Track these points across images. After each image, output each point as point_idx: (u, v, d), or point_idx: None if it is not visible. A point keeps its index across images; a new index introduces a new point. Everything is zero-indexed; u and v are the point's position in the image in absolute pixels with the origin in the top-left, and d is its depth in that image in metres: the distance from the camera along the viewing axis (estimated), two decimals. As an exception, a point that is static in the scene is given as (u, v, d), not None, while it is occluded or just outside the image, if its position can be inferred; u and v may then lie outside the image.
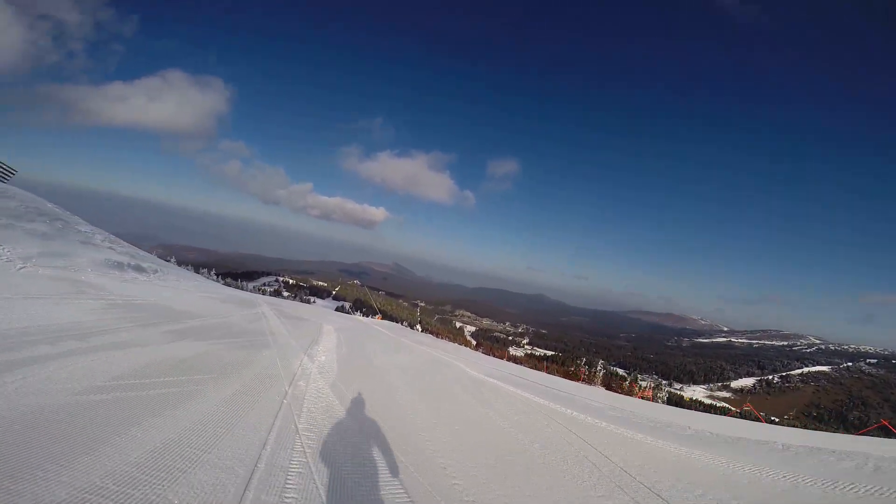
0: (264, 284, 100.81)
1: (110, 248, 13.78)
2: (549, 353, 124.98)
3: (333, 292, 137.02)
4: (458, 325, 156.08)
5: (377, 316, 35.72)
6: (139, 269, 12.84)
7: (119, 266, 11.82)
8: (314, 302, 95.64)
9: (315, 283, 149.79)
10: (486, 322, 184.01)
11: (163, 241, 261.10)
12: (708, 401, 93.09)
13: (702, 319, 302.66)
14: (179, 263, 47.95)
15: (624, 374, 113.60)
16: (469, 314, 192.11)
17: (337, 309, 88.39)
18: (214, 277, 43.97)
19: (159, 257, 46.55)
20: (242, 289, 43.09)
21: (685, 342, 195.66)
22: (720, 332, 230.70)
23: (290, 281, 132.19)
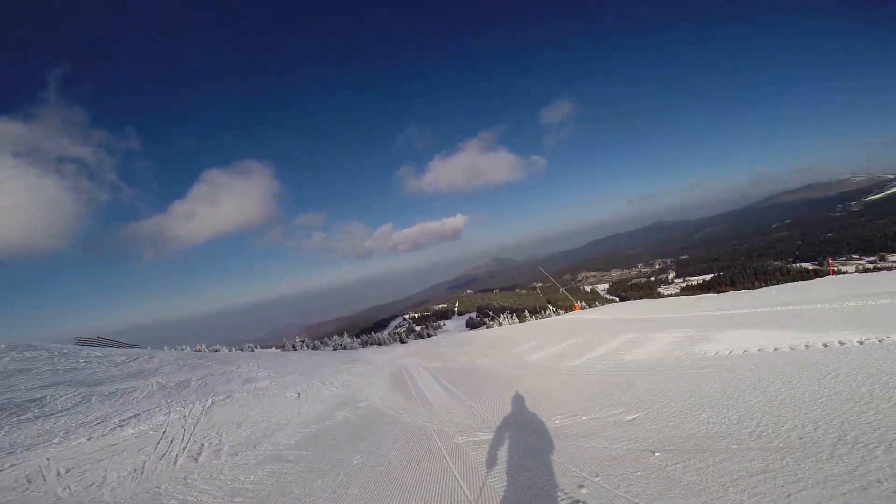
0: (396, 328, 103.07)
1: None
2: (707, 277, 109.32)
3: (455, 309, 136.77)
4: (588, 288, 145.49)
5: (574, 306, 27.02)
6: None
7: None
8: (444, 326, 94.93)
9: (435, 307, 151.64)
10: (615, 274, 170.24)
11: (304, 325, 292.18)
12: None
13: (855, 177, 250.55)
14: (314, 338, 48.84)
15: (813, 266, 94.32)
16: (592, 273, 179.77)
17: (468, 324, 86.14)
18: (350, 339, 43.26)
19: (302, 341, 47.76)
20: (379, 343, 41.80)
21: (854, 206, 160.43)
22: (889, 182, 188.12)
23: (415, 315, 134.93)
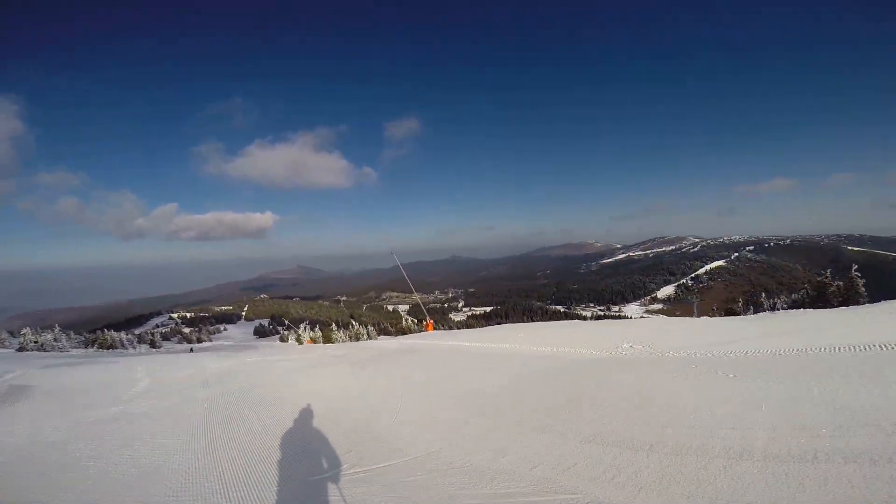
0: (155, 327, 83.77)
1: None
2: (488, 308, 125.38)
3: (243, 314, 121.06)
4: (390, 307, 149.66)
5: (427, 323, 21.48)
6: None
7: None
8: (226, 330, 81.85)
9: (218, 309, 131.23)
10: (416, 297, 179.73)
11: (22, 310, 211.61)
12: (647, 315, 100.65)
13: (597, 242, 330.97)
14: (44, 329, 34.20)
15: (564, 309, 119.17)
16: (396, 294, 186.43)
17: (258, 332, 76.26)
18: (63, 336, 31.91)
19: (15, 330, 31.97)
20: (111, 346, 31.81)
21: (594, 266, 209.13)
22: (617, 251, 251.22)
23: (188, 315, 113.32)
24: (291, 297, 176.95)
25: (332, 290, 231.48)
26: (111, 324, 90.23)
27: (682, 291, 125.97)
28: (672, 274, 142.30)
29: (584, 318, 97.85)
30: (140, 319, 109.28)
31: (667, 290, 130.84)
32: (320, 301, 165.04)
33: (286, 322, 67.51)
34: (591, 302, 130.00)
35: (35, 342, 23.50)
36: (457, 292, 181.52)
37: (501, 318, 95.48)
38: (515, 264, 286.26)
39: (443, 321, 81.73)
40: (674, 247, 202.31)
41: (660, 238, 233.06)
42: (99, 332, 35.04)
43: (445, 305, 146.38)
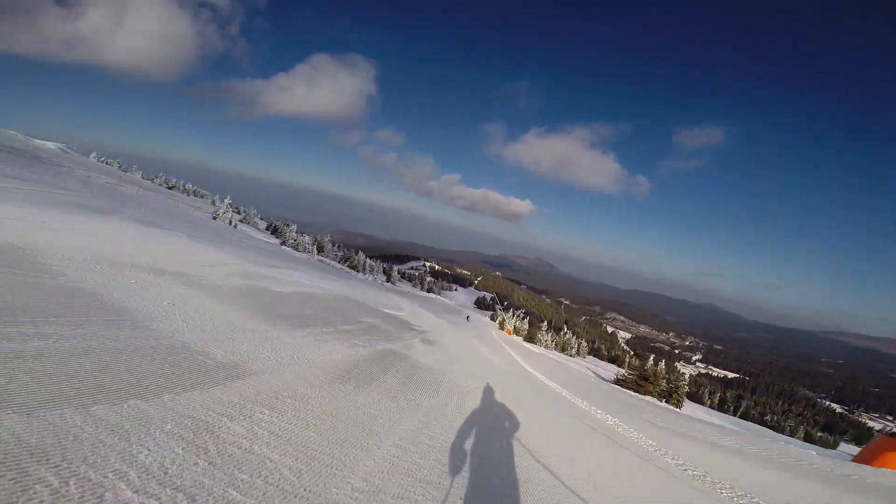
0: (411, 268, 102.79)
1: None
2: (730, 374, 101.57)
3: (475, 282, 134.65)
4: (609, 329, 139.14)
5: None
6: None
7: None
8: (455, 291, 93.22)
9: (458, 271, 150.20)
10: (643, 329, 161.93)
11: (340, 228, 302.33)
12: None
13: None
14: (348, 248, 48.11)
15: (842, 410, 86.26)
16: (623, 318, 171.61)
17: (478, 303, 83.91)
18: (331, 251, 41.70)
19: (338, 243, 46.46)
20: (388, 274, 40.10)
21: None
22: None
23: (436, 267, 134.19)
24: (520, 283, 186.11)
25: (558, 289, 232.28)
26: (386, 254, 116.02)
27: None
28: None
29: (870, 430, 70.17)
30: (405, 258, 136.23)
31: None
32: (543, 297, 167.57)
33: (504, 303, 71.34)
34: (891, 415, 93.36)
35: (293, 241, 32.26)
36: (696, 342, 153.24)
37: (743, 391, 76.58)
38: (792, 338, 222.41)
39: (669, 366, 70.77)
40: None
41: None
42: (383, 262, 44.82)
43: (676, 351, 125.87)
